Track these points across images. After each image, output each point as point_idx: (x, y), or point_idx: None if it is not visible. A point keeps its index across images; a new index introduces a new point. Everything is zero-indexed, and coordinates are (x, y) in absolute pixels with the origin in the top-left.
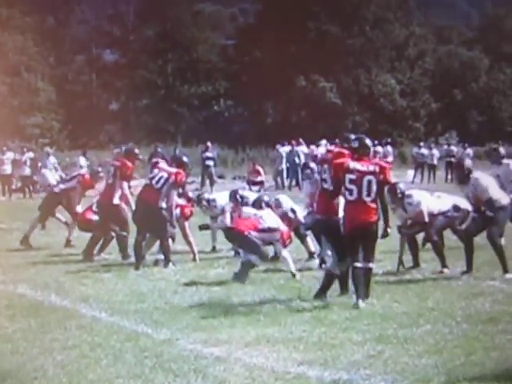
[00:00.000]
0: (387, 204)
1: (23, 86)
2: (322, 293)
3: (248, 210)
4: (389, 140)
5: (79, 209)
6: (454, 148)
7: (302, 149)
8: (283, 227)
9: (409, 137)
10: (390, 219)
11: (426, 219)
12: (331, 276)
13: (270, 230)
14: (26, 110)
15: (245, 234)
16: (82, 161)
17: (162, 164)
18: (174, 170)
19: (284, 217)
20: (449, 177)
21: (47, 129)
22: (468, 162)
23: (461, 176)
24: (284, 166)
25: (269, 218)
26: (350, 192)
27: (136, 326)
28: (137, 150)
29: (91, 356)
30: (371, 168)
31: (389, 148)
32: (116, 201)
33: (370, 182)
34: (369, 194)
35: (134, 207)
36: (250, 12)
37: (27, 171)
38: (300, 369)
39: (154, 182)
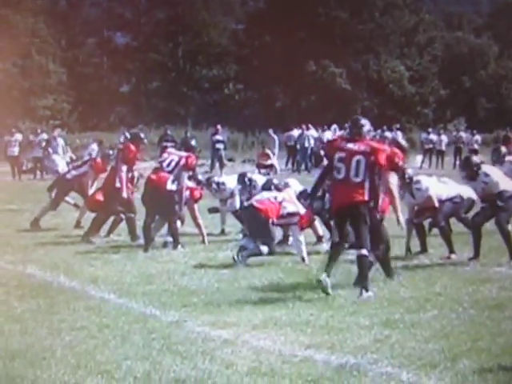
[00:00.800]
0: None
1: (34, 67)
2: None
3: (267, 195)
4: (398, 126)
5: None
6: (462, 134)
7: (312, 133)
8: (302, 210)
9: (417, 123)
10: (394, 207)
11: (436, 204)
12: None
13: (289, 215)
14: (37, 92)
15: (268, 221)
16: (95, 147)
17: (171, 149)
18: (184, 153)
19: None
20: (457, 162)
21: (58, 110)
22: (475, 158)
23: (469, 173)
24: (277, 150)
25: (289, 203)
26: (338, 171)
27: (144, 307)
28: (142, 135)
29: (99, 337)
30: (362, 148)
31: (399, 133)
32: (118, 184)
33: (358, 162)
34: (357, 175)
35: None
36: None
37: (39, 153)
38: (307, 352)
39: (164, 164)
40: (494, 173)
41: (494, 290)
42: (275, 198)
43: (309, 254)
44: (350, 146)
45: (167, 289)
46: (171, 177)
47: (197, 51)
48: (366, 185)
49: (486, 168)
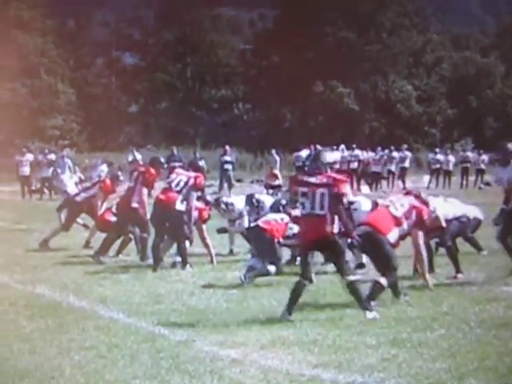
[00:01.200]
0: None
1: (43, 87)
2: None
3: (274, 216)
4: (406, 146)
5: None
6: (469, 154)
7: None
8: None
9: (425, 143)
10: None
11: (443, 224)
12: (380, 287)
13: (295, 235)
14: (46, 112)
15: (274, 241)
16: (105, 168)
17: (179, 169)
18: (192, 173)
19: None
20: (464, 182)
21: (67, 130)
22: (510, 146)
23: (503, 158)
24: (277, 170)
25: (295, 224)
26: (303, 206)
27: (153, 327)
28: (162, 159)
29: (108, 356)
30: (324, 180)
31: (407, 153)
32: (134, 204)
33: (322, 194)
34: (322, 208)
35: (150, 210)
36: (268, 17)
37: (47, 173)
38: (314, 371)
39: (173, 184)
40: None
41: (501, 309)
42: (282, 219)
43: (317, 273)
44: (312, 179)
45: (176, 308)
46: (180, 197)
47: (205, 71)
48: (332, 216)
49: None
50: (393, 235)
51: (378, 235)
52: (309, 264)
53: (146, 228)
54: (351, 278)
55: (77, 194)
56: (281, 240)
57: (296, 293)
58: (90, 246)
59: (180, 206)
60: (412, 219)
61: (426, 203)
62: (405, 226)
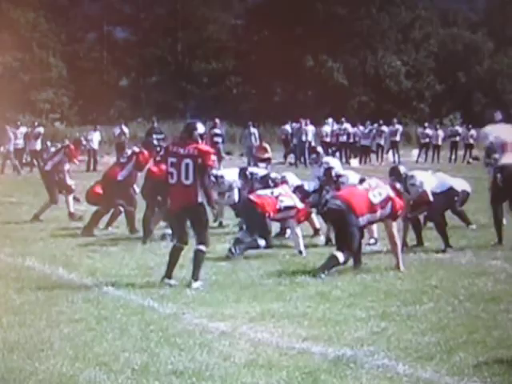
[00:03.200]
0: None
1: (35, 61)
2: (321, 270)
3: (264, 191)
4: (396, 120)
5: (69, 181)
6: (458, 128)
7: (310, 128)
8: (299, 204)
9: (413, 117)
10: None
11: (431, 198)
12: (335, 260)
13: (286, 208)
14: (37, 86)
15: (265, 215)
16: (95, 136)
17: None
18: None
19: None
20: (453, 157)
21: (58, 104)
22: None
23: None
24: (254, 143)
25: (285, 197)
26: (172, 175)
27: (142, 300)
28: (155, 142)
29: (97, 329)
30: (190, 151)
31: (398, 126)
32: (120, 177)
33: (187, 165)
34: (187, 177)
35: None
36: None
37: (37, 146)
38: (304, 344)
39: None
40: None
41: (490, 283)
42: (272, 193)
43: (306, 246)
44: (180, 150)
45: (165, 281)
46: None
47: (196, 46)
48: (197, 187)
49: None
50: (364, 219)
51: (351, 215)
52: (182, 229)
53: (133, 201)
54: (202, 247)
55: (45, 164)
56: (271, 214)
57: (173, 257)
58: (73, 217)
59: None
60: (386, 210)
61: (401, 195)
62: (378, 214)
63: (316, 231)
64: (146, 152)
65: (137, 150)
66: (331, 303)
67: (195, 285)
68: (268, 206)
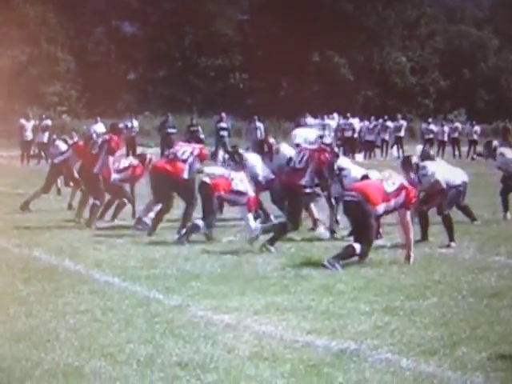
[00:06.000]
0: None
1: (43, 55)
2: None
3: (222, 171)
4: (400, 116)
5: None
6: (458, 125)
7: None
8: (251, 193)
9: (418, 113)
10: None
11: (444, 186)
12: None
13: (238, 192)
14: (45, 79)
15: (214, 195)
16: (99, 127)
17: (182, 142)
18: (196, 145)
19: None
20: (456, 153)
21: (65, 97)
22: (496, 142)
23: (489, 152)
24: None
25: (240, 182)
26: None
27: (148, 291)
28: (121, 125)
29: (103, 320)
30: None
31: (402, 122)
32: (96, 170)
33: None
34: None
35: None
36: None
37: (45, 138)
38: (308, 338)
39: (179, 154)
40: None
41: (493, 278)
42: (229, 175)
43: (311, 240)
44: None
45: (171, 273)
46: (186, 166)
47: (203, 41)
48: None
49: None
50: (380, 209)
51: (368, 205)
52: None
53: (101, 196)
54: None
55: (55, 157)
56: (222, 193)
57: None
58: (72, 208)
59: (187, 175)
60: (400, 199)
61: (415, 185)
62: (392, 203)
63: (315, 222)
64: (115, 137)
65: (107, 137)
66: (335, 297)
67: None
68: (221, 185)
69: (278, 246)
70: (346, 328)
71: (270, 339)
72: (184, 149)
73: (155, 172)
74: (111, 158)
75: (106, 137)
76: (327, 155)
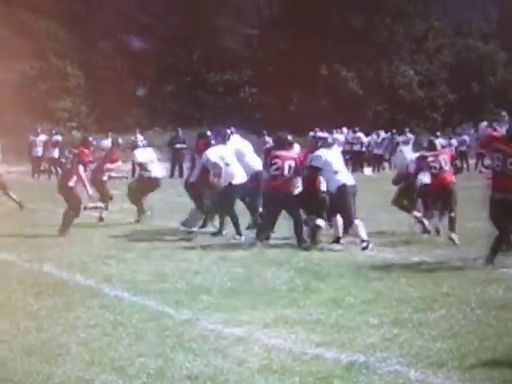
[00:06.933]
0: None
1: (52, 70)
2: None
3: None
4: (407, 129)
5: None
6: (466, 137)
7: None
8: None
9: (426, 126)
10: None
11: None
12: None
13: None
14: (55, 94)
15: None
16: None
17: (279, 151)
18: (294, 153)
19: None
20: (464, 166)
21: (75, 113)
22: None
23: None
24: None
25: None
26: None
27: (158, 305)
28: (90, 138)
29: (113, 334)
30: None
31: (410, 136)
32: (71, 184)
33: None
34: None
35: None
36: (274, 3)
37: (55, 153)
38: (317, 350)
39: (286, 172)
40: None
41: (501, 290)
42: None
43: (322, 250)
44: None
45: (180, 287)
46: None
47: (211, 56)
48: None
49: None
50: None
51: None
52: None
53: (78, 208)
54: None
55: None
56: None
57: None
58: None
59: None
60: None
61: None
62: None
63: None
64: (85, 150)
65: (76, 151)
66: (344, 310)
67: None
68: None
69: (287, 259)
70: (355, 340)
71: (279, 352)
72: (287, 163)
73: None
74: (82, 168)
75: (76, 151)
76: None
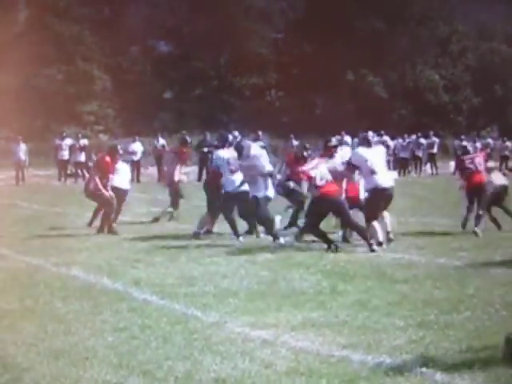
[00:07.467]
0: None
1: (79, 74)
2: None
3: None
4: (432, 133)
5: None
6: (490, 140)
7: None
8: None
9: (451, 130)
10: None
11: None
12: None
13: None
14: (82, 98)
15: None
16: (136, 146)
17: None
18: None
19: None
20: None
21: (102, 116)
22: None
23: None
24: None
25: None
26: None
27: (186, 309)
28: (119, 147)
29: (141, 338)
30: None
31: (435, 139)
32: (92, 188)
33: None
34: None
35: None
36: (298, 7)
37: (82, 157)
38: (344, 352)
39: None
40: None
41: None
42: None
43: (348, 252)
44: None
45: (208, 290)
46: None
47: (238, 60)
48: None
49: None
50: None
51: None
52: None
53: (109, 204)
54: None
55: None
56: None
57: None
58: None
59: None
60: None
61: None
62: None
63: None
64: (107, 158)
65: (99, 156)
66: (370, 312)
67: None
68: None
69: (314, 262)
70: (381, 343)
71: (306, 354)
72: (322, 172)
73: None
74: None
75: (97, 156)
76: None
